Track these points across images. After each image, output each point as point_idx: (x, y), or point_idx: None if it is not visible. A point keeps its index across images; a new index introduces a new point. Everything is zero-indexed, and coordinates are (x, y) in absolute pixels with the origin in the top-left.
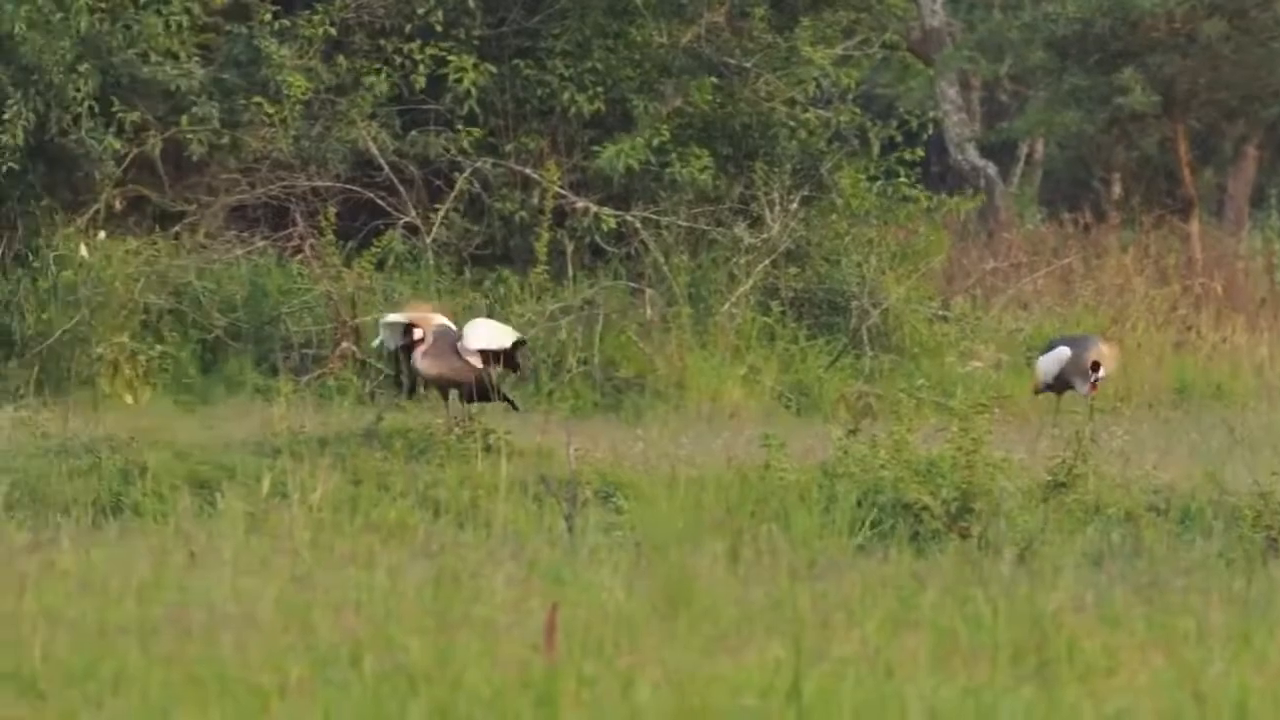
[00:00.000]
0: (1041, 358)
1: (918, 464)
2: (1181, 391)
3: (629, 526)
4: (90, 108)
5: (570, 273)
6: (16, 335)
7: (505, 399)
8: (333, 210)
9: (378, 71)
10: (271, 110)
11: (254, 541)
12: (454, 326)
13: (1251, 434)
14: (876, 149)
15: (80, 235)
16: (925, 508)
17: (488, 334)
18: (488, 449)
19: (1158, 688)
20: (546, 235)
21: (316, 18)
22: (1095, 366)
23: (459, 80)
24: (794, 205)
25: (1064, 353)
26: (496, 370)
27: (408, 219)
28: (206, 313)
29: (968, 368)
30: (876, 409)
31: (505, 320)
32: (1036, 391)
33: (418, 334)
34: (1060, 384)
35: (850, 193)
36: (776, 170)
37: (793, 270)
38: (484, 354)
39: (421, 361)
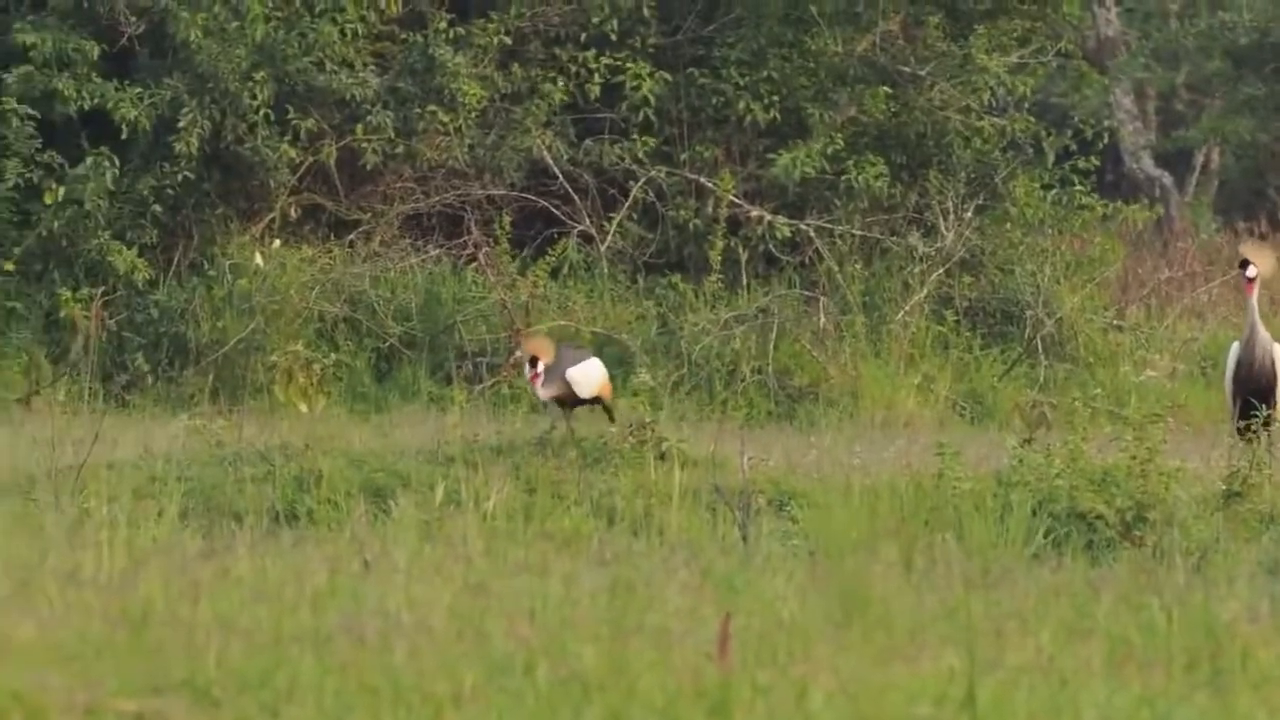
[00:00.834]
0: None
1: (1092, 473)
2: None
3: (803, 535)
4: (265, 116)
5: (744, 281)
6: (191, 343)
7: (606, 410)
8: (507, 219)
9: (553, 80)
10: (446, 119)
11: (428, 550)
12: (572, 349)
13: None
14: (1051, 158)
15: (255, 243)
16: (1100, 517)
17: (584, 380)
18: (661, 457)
19: None
20: (720, 243)
21: (492, 26)
22: (1244, 264)
23: (635, 88)
24: (968, 214)
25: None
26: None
27: (582, 227)
28: (381, 321)
29: (1142, 377)
30: (1051, 418)
31: (680, 329)
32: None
33: (540, 366)
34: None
35: (1025, 201)
36: (951, 179)
37: (967, 279)
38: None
39: (540, 391)
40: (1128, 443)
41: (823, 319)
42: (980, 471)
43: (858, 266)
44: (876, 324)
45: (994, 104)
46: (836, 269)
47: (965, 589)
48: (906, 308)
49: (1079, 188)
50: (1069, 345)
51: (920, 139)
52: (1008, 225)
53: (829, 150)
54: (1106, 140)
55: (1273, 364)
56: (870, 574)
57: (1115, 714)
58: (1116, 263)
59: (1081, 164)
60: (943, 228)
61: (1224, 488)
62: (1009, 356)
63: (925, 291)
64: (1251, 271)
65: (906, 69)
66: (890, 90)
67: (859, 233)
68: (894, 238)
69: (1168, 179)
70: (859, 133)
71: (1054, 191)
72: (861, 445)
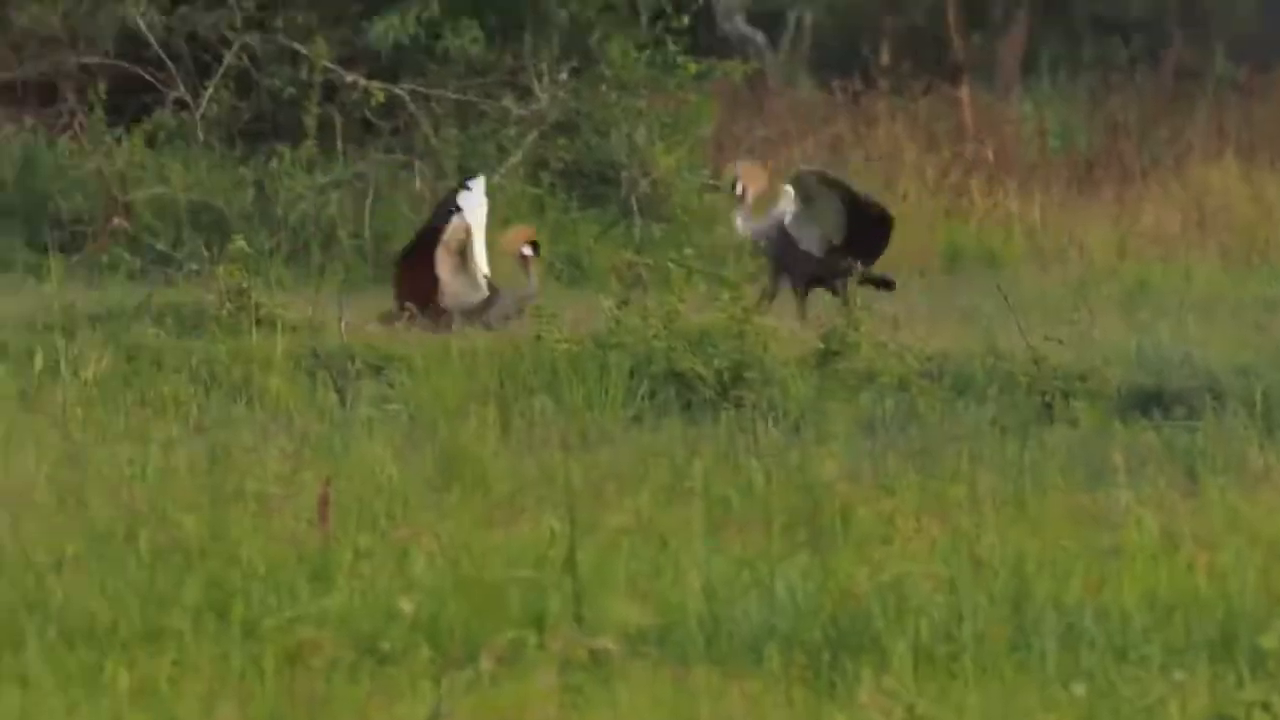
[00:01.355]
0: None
1: (689, 333)
2: (953, 258)
3: (401, 399)
4: None
5: (340, 147)
6: None
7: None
8: (103, 87)
9: None
10: None
11: (26, 419)
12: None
13: (1024, 299)
14: (646, 19)
15: None
16: (698, 377)
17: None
18: (258, 323)
19: (933, 554)
20: (315, 110)
21: None
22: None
23: None
24: (563, 76)
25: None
26: None
27: (177, 95)
28: None
29: (738, 237)
30: (648, 279)
31: (275, 195)
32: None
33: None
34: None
35: (620, 63)
36: (545, 41)
37: (562, 141)
38: None
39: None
40: (724, 302)
41: (419, 183)
42: (578, 333)
43: (454, 131)
44: None
45: None
46: (432, 134)
47: (564, 451)
48: (502, 171)
49: (674, 48)
50: (665, 206)
51: (515, 2)
52: (603, 87)
53: (423, 15)
54: (701, 1)
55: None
56: (468, 437)
57: (716, 574)
58: (711, 122)
59: (675, 24)
60: (538, 90)
61: (821, 347)
62: (605, 218)
63: (521, 155)
64: (740, 189)
65: None
66: None
67: (455, 97)
68: (489, 101)
69: (761, 38)
70: None
71: (648, 52)
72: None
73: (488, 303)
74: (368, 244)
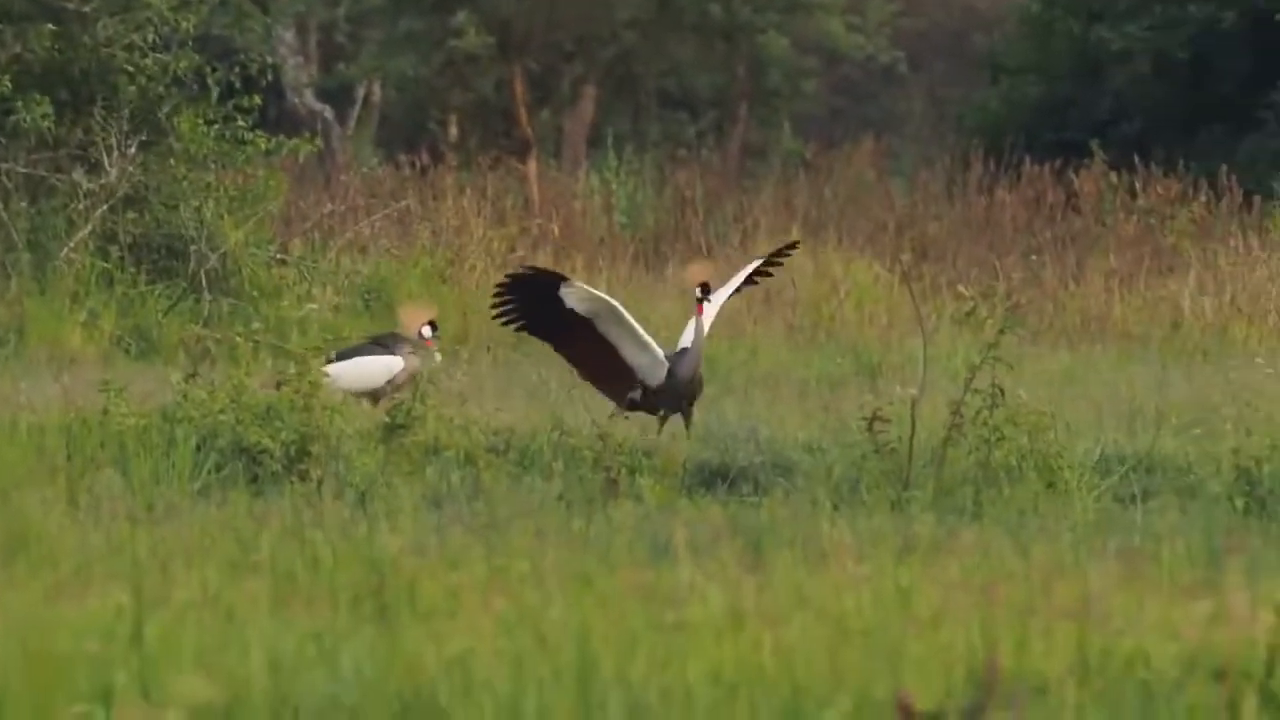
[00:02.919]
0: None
1: (256, 407)
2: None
3: None
4: None
5: None
6: None
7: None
8: None
9: None
10: None
11: None
12: None
13: None
14: (215, 94)
15: None
16: (264, 450)
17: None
18: None
19: (499, 629)
20: None
21: None
22: (705, 288)
23: None
24: (132, 150)
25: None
26: None
27: None
28: None
29: (304, 310)
30: (215, 353)
31: None
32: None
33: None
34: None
35: (189, 137)
36: (115, 115)
37: (131, 215)
38: None
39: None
40: (290, 376)
41: None
42: (145, 407)
43: (23, 204)
44: (42, 261)
45: (159, 40)
46: (1, 206)
47: (131, 525)
48: (71, 244)
49: (242, 123)
50: (233, 280)
51: (85, 76)
52: (172, 161)
53: None
54: (270, 76)
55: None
56: (35, 511)
57: (282, 649)
58: (280, 197)
59: (245, 101)
60: (107, 164)
61: (387, 420)
62: (174, 292)
63: (90, 228)
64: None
65: (71, 5)
66: (55, 28)
67: (24, 170)
68: (59, 175)
69: (329, 113)
70: (24, 71)
71: (218, 127)
72: (28, 383)
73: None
74: None
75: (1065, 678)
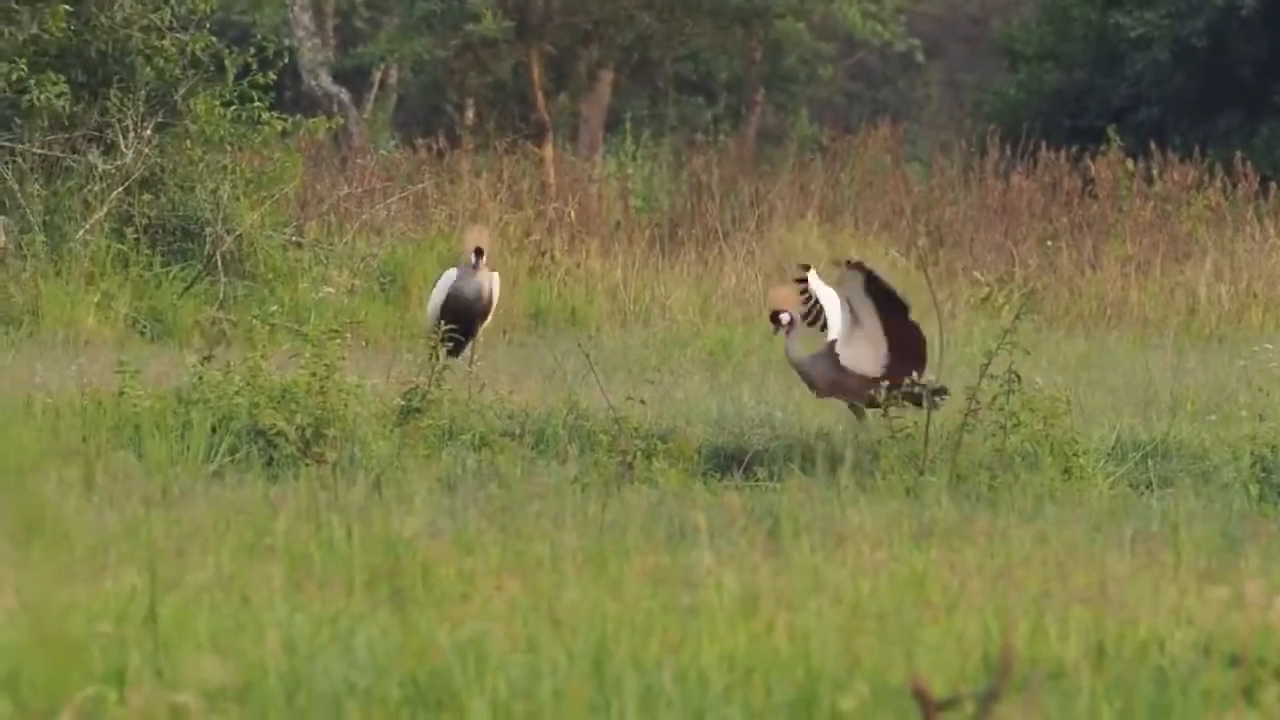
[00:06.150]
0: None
1: (272, 390)
2: (536, 316)
3: None
4: None
5: None
6: None
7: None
8: None
9: None
10: None
11: None
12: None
13: (606, 358)
14: (232, 75)
15: None
16: (280, 433)
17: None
18: None
19: (513, 612)
20: None
21: None
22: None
23: None
24: (148, 132)
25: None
26: None
27: None
28: None
29: (321, 293)
30: (231, 335)
31: None
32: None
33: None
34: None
35: (205, 119)
36: (131, 96)
37: (147, 197)
38: None
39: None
40: (306, 359)
41: (3, 238)
42: (161, 389)
43: (38, 185)
44: (57, 242)
45: (176, 21)
46: (17, 187)
47: (146, 507)
48: (87, 226)
49: (259, 104)
50: (249, 262)
51: (102, 57)
52: (188, 143)
53: (14, 76)
54: (287, 58)
55: (490, 298)
56: (50, 493)
57: (296, 631)
58: (295, 180)
59: (261, 80)
60: (123, 145)
61: (403, 404)
62: (189, 274)
63: (106, 210)
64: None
65: None
66: (71, 8)
67: (40, 151)
68: (75, 156)
69: (345, 95)
70: (40, 51)
71: (234, 108)
72: (43, 364)
73: None
74: None
75: (1080, 663)
